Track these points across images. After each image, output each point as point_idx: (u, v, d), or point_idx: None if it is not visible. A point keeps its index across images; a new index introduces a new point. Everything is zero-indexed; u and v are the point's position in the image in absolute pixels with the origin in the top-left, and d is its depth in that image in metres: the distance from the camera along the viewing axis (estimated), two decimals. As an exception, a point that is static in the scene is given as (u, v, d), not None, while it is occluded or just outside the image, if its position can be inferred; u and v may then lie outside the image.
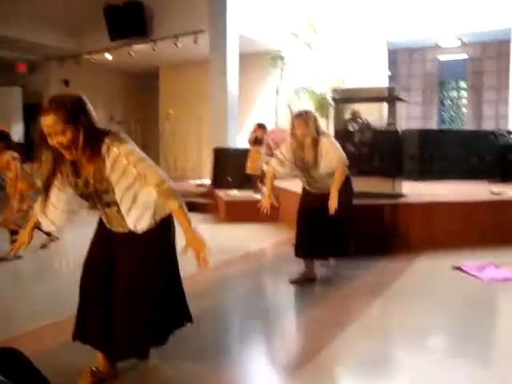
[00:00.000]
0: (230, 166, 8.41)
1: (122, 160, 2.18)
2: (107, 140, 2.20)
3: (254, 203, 7.08)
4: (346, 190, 4.10)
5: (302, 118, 3.93)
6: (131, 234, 2.32)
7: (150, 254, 2.37)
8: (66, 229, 2.71)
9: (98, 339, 2.39)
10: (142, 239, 2.32)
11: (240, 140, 9.41)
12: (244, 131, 9.26)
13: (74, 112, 2.14)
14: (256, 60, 11.01)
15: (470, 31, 10.58)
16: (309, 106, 9.79)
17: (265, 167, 7.65)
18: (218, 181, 8.64)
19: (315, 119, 3.96)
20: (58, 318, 3.24)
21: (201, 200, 8.15)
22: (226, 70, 9.38)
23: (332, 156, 3.91)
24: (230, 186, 8.19)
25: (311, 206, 4.17)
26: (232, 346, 3.02)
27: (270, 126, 9.79)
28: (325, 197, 3.96)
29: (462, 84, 12.46)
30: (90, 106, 2.23)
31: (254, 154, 7.72)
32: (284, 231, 6.12)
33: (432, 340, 3.17)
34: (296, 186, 4.76)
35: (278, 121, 10.67)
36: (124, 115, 13.35)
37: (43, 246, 5.38)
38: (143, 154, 2.28)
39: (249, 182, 7.89)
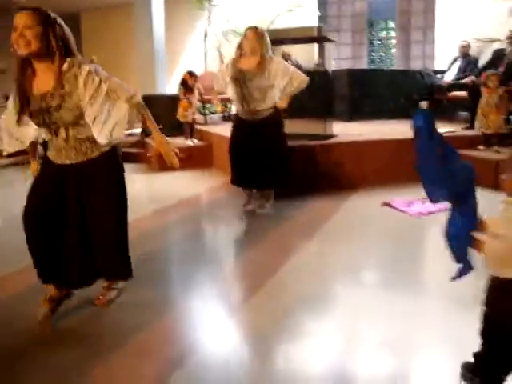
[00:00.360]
0: (161, 114, 8.07)
1: (94, 77, 2.32)
2: (75, 59, 2.34)
3: (187, 150, 7.00)
4: (278, 121, 4.26)
5: (254, 29, 4.11)
6: (81, 165, 2.42)
7: (110, 183, 2.52)
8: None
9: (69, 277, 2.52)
10: (97, 170, 2.45)
11: (170, 86, 9.13)
12: (174, 77, 8.98)
13: (52, 21, 2.27)
14: (183, 3, 10.57)
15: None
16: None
17: (196, 116, 7.53)
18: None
19: (267, 37, 4.11)
20: None
21: (132, 150, 7.91)
22: (152, 13, 8.97)
23: (294, 74, 4.13)
24: (166, 134, 7.96)
25: (244, 137, 4.26)
26: (171, 291, 3.00)
27: (199, 71, 9.54)
28: (258, 126, 4.13)
29: (391, 24, 12.54)
30: (69, 31, 2.36)
31: (185, 101, 7.54)
32: (218, 177, 6.07)
33: (367, 275, 3.27)
34: (227, 130, 4.70)
35: (208, 65, 10.40)
36: None
37: None
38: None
39: (180, 128, 7.71)
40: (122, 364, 2.21)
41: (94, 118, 2.34)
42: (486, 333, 1.77)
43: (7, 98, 2.50)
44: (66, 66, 2.30)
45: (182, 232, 4.30)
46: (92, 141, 2.42)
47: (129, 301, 2.79)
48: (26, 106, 2.36)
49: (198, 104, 8.49)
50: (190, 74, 7.66)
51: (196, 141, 7.55)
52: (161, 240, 4.03)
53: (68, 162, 2.44)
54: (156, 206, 4.83)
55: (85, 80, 2.30)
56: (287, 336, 2.43)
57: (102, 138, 2.38)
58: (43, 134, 2.50)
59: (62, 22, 2.34)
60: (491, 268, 1.68)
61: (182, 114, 7.51)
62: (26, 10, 2.24)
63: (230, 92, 4.28)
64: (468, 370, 1.88)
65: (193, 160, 6.68)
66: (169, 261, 3.64)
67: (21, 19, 2.21)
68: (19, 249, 2.59)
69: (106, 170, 2.51)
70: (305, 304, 2.73)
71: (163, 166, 6.68)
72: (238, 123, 4.42)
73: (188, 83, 7.56)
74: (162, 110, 8.14)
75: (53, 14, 2.31)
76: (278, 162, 4.31)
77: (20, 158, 7.73)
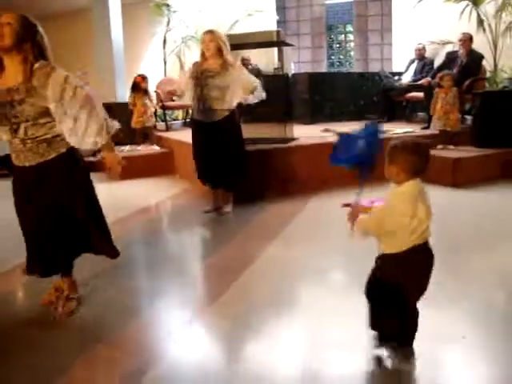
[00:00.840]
0: (121, 122, 8.02)
1: (72, 82, 2.42)
2: (49, 63, 2.44)
3: (148, 158, 6.93)
4: (234, 122, 4.36)
5: (211, 32, 4.24)
6: (38, 166, 2.49)
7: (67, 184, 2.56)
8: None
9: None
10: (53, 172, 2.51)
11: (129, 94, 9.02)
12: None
13: (31, 26, 2.43)
14: (140, 9, 10.47)
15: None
16: (198, 54, 9.55)
17: (152, 120, 7.49)
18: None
19: (225, 39, 4.24)
20: None
21: (93, 158, 7.77)
22: (109, 20, 8.83)
23: (247, 78, 4.30)
24: (121, 143, 7.86)
25: (202, 138, 4.36)
26: (132, 299, 2.95)
27: (159, 77, 9.47)
28: (214, 127, 4.22)
29: (349, 28, 12.71)
30: (47, 40, 2.50)
31: (140, 106, 7.47)
32: (179, 183, 6.03)
33: (331, 276, 3.29)
34: (189, 137, 4.68)
35: (167, 71, 10.32)
36: None
37: None
38: None
39: (136, 136, 7.64)
40: (83, 374, 2.16)
41: (71, 128, 2.44)
42: (369, 291, 2.23)
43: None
44: (37, 64, 2.40)
45: (144, 239, 4.26)
46: (49, 142, 2.49)
47: (90, 311, 2.74)
48: None
49: (159, 111, 8.43)
50: (142, 76, 7.59)
51: (156, 147, 7.48)
52: (122, 248, 3.95)
53: (27, 164, 2.51)
54: (118, 215, 4.74)
55: (62, 83, 2.39)
56: (253, 338, 2.43)
57: (88, 145, 2.50)
58: (4, 135, 2.52)
59: (42, 31, 2.50)
60: (382, 248, 2.16)
61: (136, 120, 7.43)
62: (11, 12, 2.41)
63: (188, 93, 4.34)
64: (384, 345, 2.23)
65: (155, 167, 6.64)
66: (132, 269, 3.57)
67: (3, 17, 2.37)
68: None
69: (62, 171, 2.55)
70: (269, 306, 2.73)
71: (124, 173, 6.65)
72: (195, 126, 4.47)
73: (141, 86, 7.48)
74: (121, 118, 8.05)
75: (35, 22, 2.48)
76: (234, 164, 4.36)
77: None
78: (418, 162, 2.03)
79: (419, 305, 2.17)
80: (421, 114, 7.87)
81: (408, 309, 2.15)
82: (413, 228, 2.02)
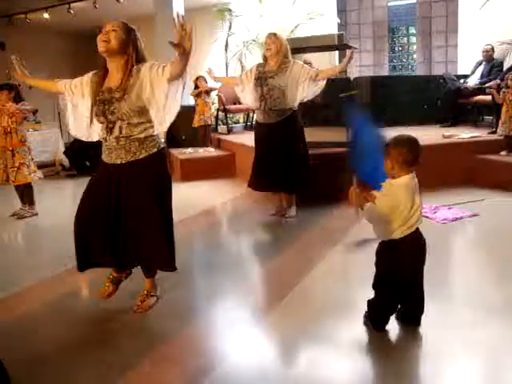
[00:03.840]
0: (183, 124, 8.21)
1: (155, 63, 2.60)
2: (143, 64, 2.61)
3: (209, 160, 7.05)
4: (295, 123, 4.37)
5: (273, 34, 4.32)
6: (129, 164, 2.61)
7: (157, 182, 2.68)
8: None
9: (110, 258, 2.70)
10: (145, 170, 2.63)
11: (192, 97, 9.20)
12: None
13: (131, 31, 2.63)
14: (204, 15, 10.66)
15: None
16: (260, 58, 9.61)
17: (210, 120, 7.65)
18: (172, 140, 8.47)
19: (286, 42, 4.32)
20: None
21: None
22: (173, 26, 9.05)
23: (309, 70, 4.26)
24: (184, 145, 8.05)
25: (264, 140, 4.40)
26: (196, 303, 3.01)
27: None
28: (276, 128, 4.27)
29: (412, 30, 12.44)
30: (143, 44, 2.70)
31: (200, 106, 7.65)
32: (241, 186, 6.06)
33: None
34: (250, 140, 4.73)
35: (229, 75, 10.44)
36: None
37: (20, 217, 5.23)
38: None
39: (198, 136, 7.84)
40: (150, 372, 2.23)
41: (158, 106, 2.57)
42: (377, 284, 2.42)
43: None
44: (136, 67, 2.60)
45: (205, 241, 4.33)
46: (141, 142, 2.63)
47: (154, 310, 2.82)
48: (95, 98, 2.64)
49: (221, 114, 8.55)
50: (197, 77, 7.80)
51: (212, 149, 7.60)
52: (185, 249, 4.04)
53: (118, 161, 2.64)
54: (180, 216, 4.84)
55: (148, 66, 2.57)
56: (313, 343, 2.42)
57: (163, 126, 2.65)
58: (100, 133, 2.69)
59: (139, 36, 2.70)
60: (377, 235, 2.44)
61: (197, 118, 7.62)
62: (116, 20, 2.63)
63: (249, 94, 4.41)
64: (365, 317, 2.50)
65: (216, 169, 6.75)
66: (194, 270, 3.65)
67: (109, 25, 2.58)
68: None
69: (152, 172, 2.67)
70: (331, 312, 2.72)
71: (186, 175, 6.80)
72: (258, 128, 4.52)
73: (198, 87, 7.68)
74: (184, 121, 8.22)
75: (133, 27, 2.68)
76: (296, 165, 4.36)
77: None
78: (408, 154, 2.27)
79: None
80: (488, 118, 7.61)
81: (409, 291, 2.40)
82: (411, 216, 2.28)
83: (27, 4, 10.34)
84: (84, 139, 2.85)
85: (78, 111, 2.80)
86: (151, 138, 2.66)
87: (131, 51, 2.60)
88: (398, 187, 2.29)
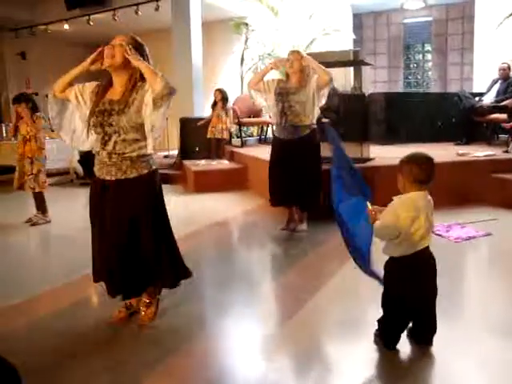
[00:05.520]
0: (197, 136, 8.29)
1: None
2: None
3: (223, 172, 7.08)
4: (314, 142, 4.38)
5: (296, 52, 4.41)
6: (118, 182, 2.58)
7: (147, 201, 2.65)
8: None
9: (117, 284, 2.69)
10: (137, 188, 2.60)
11: (207, 109, 9.27)
12: (211, 101, 9.12)
13: (139, 46, 2.62)
14: (220, 28, 10.79)
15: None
16: (275, 72, 9.66)
17: (225, 134, 7.77)
18: (186, 151, 8.53)
19: (307, 58, 4.32)
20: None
21: (169, 171, 8.05)
22: (190, 38, 9.16)
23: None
24: (197, 156, 8.10)
25: (281, 155, 4.42)
26: (206, 315, 3.01)
27: (236, 94, 9.66)
28: (295, 144, 4.28)
29: (427, 47, 12.46)
30: (151, 60, 2.68)
31: (214, 118, 7.76)
32: (253, 199, 6.10)
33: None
34: (264, 153, 4.74)
35: (244, 89, 10.51)
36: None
37: (33, 224, 5.29)
38: None
39: (211, 147, 7.97)
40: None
41: (152, 126, 2.55)
42: (385, 302, 2.41)
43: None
44: (141, 83, 2.58)
45: (216, 254, 4.33)
46: (133, 161, 2.59)
47: (163, 323, 2.82)
48: (95, 108, 2.61)
49: (234, 127, 8.60)
50: (216, 90, 7.95)
51: (226, 161, 7.65)
52: (196, 261, 4.06)
53: (108, 177, 2.60)
54: (192, 228, 4.87)
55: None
56: (324, 360, 2.41)
57: (150, 147, 2.61)
58: (94, 145, 2.66)
59: (148, 51, 2.68)
60: (384, 251, 2.39)
61: (210, 130, 7.76)
62: (124, 34, 2.63)
63: (271, 105, 4.41)
64: (376, 335, 2.46)
65: (229, 182, 6.77)
66: (204, 283, 3.64)
67: (116, 39, 2.59)
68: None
69: (139, 192, 2.62)
70: (342, 328, 2.71)
71: (199, 187, 6.83)
72: (276, 143, 4.53)
73: (215, 99, 7.82)
74: (197, 133, 8.32)
75: (143, 42, 2.67)
76: (311, 183, 4.39)
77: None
78: (419, 172, 2.25)
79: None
80: (503, 137, 7.57)
81: (419, 310, 2.37)
82: (412, 233, 2.24)
83: (49, 16, 10.54)
84: (72, 145, 2.82)
85: (74, 117, 2.75)
86: (144, 157, 2.63)
87: (137, 67, 2.56)
88: (399, 203, 2.28)
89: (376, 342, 2.47)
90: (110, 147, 2.57)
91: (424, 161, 2.29)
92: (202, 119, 8.29)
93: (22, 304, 3.17)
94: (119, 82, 2.62)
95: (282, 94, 4.32)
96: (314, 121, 4.37)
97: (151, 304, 2.84)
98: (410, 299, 2.33)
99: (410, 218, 2.23)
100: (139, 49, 2.61)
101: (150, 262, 2.67)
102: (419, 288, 2.33)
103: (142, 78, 2.57)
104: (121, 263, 2.63)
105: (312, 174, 4.38)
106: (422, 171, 2.26)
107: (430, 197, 2.35)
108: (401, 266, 2.34)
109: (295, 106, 4.25)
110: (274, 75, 4.83)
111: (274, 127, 4.60)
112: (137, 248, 2.63)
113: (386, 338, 2.43)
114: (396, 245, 2.30)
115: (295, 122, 4.28)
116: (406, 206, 2.25)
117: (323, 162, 4.55)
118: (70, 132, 2.76)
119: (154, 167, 2.70)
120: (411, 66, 12.66)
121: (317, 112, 4.35)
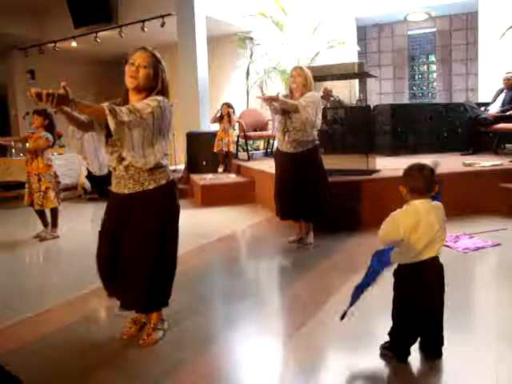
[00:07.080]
0: (204, 150, 8.34)
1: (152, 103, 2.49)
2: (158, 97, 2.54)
3: (230, 186, 7.10)
4: (316, 156, 4.42)
5: (299, 68, 4.48)
6: (137, 195, 2.56)
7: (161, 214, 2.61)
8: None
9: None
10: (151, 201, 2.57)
11: (213, 123, 9.34)
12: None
13: (159, 64, 2.60)
14: (225, 42, 10.87)
15: (438, 4, 10.55)
16: (280, 86, 9.73)
17: (231, 147, 7.85)
18: (193, 165, 8.57)
19: (311, 75, 4.37)
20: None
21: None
22: (196, 53, 9.24)
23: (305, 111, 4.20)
24: (204, 171, 8.14)
25: (284, 168, 4.44)
26: (214, 329, 3.00)
27: (241, 108, 9.72)
28: (297, 157, 4.32)
29: (432, 58, 12.50)
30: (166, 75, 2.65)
31: (220, 132, 7.88)
32: (260, 213, 6.11)
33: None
34: (270, 167, 4.77)
35: (250, 103, 10.58)
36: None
37: (42, 239, 5.33)
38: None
39: (219, 161, 8.04)
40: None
41: (132, 148, 2.46)
42: (396, 314, 2.42)
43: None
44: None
45: (224, 267, 4.34)
46: (150, 173, 2.57)
47: (171, 336, 2.82)
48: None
49: (241, 140, 8.65)
50: (223, 104, 8.04)
51: (233, 175, 7.69)
52: (203, 275, 4.07)
53: (126, 191, 2.59)
54: (199, 241, 4.88)
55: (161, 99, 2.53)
56: (333, 373, 2.40)
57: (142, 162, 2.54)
58: (111, 162, 2.62)
59: (164, 66, 2.65)
60: (393, 259, 2.36)
61: (216, 143, 7.84)
62: (146, 50, 2.58)
63: (277, 120, 4.44)
64: (384, 348, 2.45)
65: (236, 195, 6.79)
66: (211, 296, 3.66)
67: (139, 58, 2.54)
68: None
69: (160, 204, 2.61)
70: (351, 341, 2.70)
71: (206, 200, 6.85)
72: (279, 157, 4.55)
73: (222, 113, 7.91)
74: (204, 147, 8.38)
75: (160, 58, 2.63)
76: (313, 195, 4.39)
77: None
78: (415, 181, 2.28)
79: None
80: (509, 146, 7.56)
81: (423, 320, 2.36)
82: (414, 242, 2.26)
83: (57, 34, 10.69)
84: (97, 172, 2.76)
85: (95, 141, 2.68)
86: (161, 168, 2.61)
87: (155, 84, 2.57)
88: (399, 211, 2.32)
89: (383, 354, 2.46)
90: (126, 162, 2.53)
91: (417, 170, 2.31)
92: (208, 134, 8.36)
93: (33, 318, 3.19)
94: (136, 100, 2.57)
95: (285, 111, 4.33)
96: (316, 136, 4.41)
97: (157, 330, 2.79)
98: (417, 308, 2.34)
99: (410, 226, 2.25)
100: (158, 68, 2.59)
101: (134, 276, 2.60)
102: (425, 297, 2.34)
103: (158, 93, 2.57)
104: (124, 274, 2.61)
105: (312, 184, 4.38)
106: (416, 180, 2.29)
107: (439, 205, 2.35)
108: (407, 273, 2.36)
109: (297, 123, 4.27)
110: (280, 89, 4.86)
111: (278, 141, 4.61)
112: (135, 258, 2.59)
113: (397, 350, 2.41)
114: (400, 253, 2.34)
115: (297, 138, 4.31)
116: (404, 213, 2.30)
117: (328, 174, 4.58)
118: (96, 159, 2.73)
119: (171, 177, 2.68)
120: (416, 77, 12.69)
121: (319, 124, 4.35)
